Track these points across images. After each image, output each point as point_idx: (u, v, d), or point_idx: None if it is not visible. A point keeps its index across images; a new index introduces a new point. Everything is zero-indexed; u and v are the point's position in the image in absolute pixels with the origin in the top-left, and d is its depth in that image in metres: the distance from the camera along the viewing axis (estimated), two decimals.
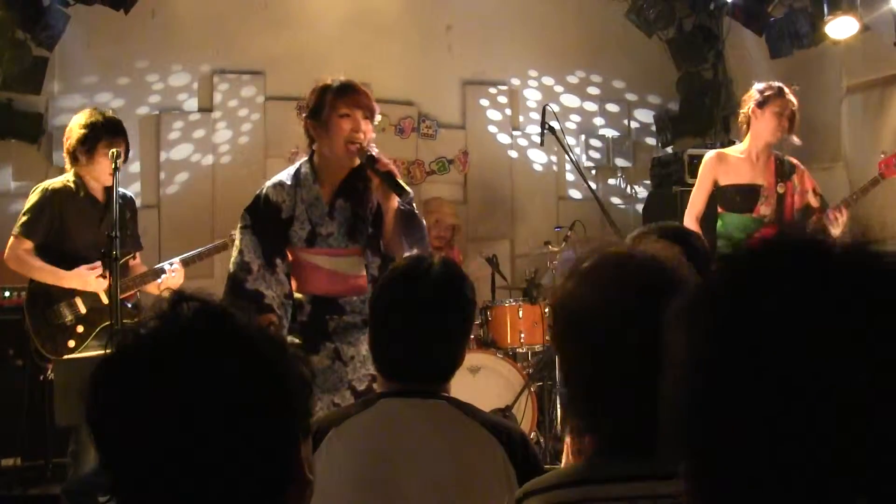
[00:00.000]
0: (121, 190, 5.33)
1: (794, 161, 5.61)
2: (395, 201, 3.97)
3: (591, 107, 9.12)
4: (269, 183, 4.16)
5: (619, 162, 9.08)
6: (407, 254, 3.72)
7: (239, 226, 4.12)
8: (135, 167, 7.77)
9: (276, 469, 1.26)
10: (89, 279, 5.04)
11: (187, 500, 1.22)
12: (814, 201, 5.42)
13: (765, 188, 5.47)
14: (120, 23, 7.45)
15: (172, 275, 5.24)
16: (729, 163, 5.56)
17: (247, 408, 1.22)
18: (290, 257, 4.12)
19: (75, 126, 5.10)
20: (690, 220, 5.51)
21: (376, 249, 4.07)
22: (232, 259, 4.09)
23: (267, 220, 4.05)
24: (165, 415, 1.21)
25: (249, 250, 4.01)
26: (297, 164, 4.21)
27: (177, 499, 1.22)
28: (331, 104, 3.94)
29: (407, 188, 3.98)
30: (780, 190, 5.45)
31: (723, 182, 5.53)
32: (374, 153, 3.97)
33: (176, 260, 5.32)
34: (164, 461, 1.21)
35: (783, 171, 5.51)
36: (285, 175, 4.16)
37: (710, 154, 5.73)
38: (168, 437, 1.20)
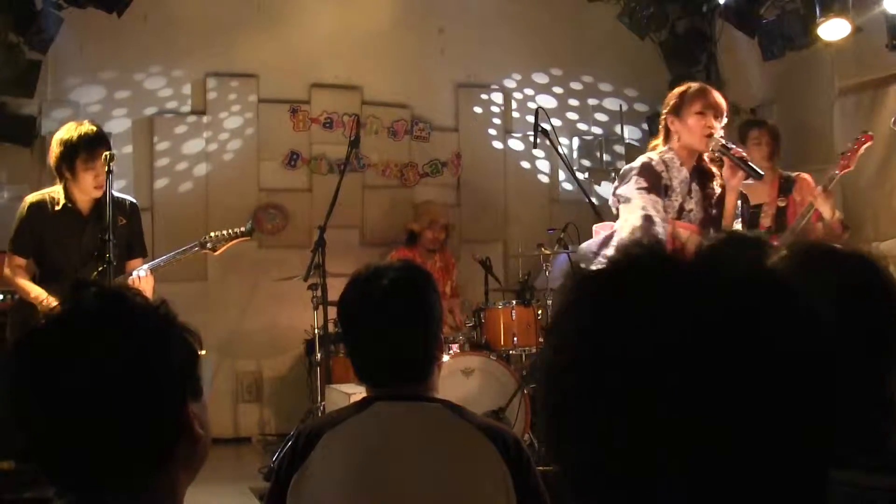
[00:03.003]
0: (123, 196, 5.39)
1: (797, 175, 6.13)
2: (739, 184, 4.64)
3: (583, 109, 9.14)
4: (639, 160, 4.77)
5: (612, 164, 9.10)
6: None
7: (634, 188, 4.64)
8: (128, 170, 7.77)
9: (163, 426, 1.43)
10: (40, 296, 5.01)
11: (86, 457, 1.40)
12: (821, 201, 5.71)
13: (766, 204, 6.03)
14: (113, 26, 7.45)
15: (140, 277, 5.16)
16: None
17: (131, 372, 1.39)
18: None
19: (54, 143, 5.09)
20: None
21: (718, 229, 4.71)
22: (637, 216, 4.60)
23: (656, 181, 4.63)
24: (60, 383, 1.38)
25: (651, 205, 4.59)
26: (656, 154, 4.75)
27: (77, 456, 1.40)
28: (690, 103, 4.64)
29: (759, 171, 4.60)
30: (781, 203, 6.00)
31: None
32: (727, 143, 4.62)
33: (144, 268, 5.23)
34: (61, 421, 1.38)
35: (785, 187, 6.06)
36: (650, 156, 4.75)
37: None
38: (64, 401, 1.38)
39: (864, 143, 5.63)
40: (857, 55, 7.13)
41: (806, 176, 6.13)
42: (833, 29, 6.70)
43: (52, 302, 4.96)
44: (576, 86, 9.12)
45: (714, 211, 4.75)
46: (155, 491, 1.45)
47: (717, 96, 4.70)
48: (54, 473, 1.44)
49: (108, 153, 4.97)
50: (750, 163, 4.58)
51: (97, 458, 1.39)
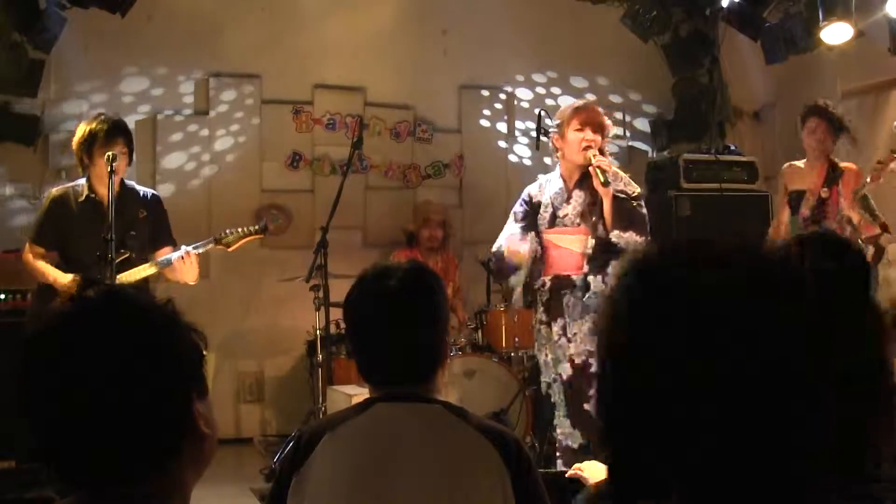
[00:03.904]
0: (145, 189, 5.56)
1: (846, 167, 6.11)
2: (611, 191, 4.99)
3: None
4: (533, 185, 5.48)
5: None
6: (615, 235, 4.98)
7: (513, 211, 5.43)
8: (130, 170, 7.75)
9: (168, 424, 1.44)
10: (62, 281, 5.11)
11: (93, 453, 1.40)
12: (852, 214, 5.87)
13: (809, 191, 6.11)
14: (116, 26, 7.45)
15: (182, 258, 5.23)
16: (794, 171, 6.32)
17: (139, 370, 1.40)
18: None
19: (76, 134, 5.24)
20: (777, 226, 6.45)
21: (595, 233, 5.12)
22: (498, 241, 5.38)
23: (527, 206, 5.35)
24: (69, 381, 1.39)
25: (508, 232, 5.34)
26: (537, 181, 5.49)
27: (82, 455, 1.41)
28: (569, 121, 5.12)
29: (604, 178, 4.95)
30: (824, 194, 6.06)
31: (789, 188, 6.29)
32: (597, 153, 5.07)
33: (188, 248, 5.28)
34: (70, 419, 1.39)
35: (831, 178, 6.07)
36: (540, 180, 5.47)
37: (783, 167, 6.51)
38: (72, 399, 1.38)
39: None
40: (860, 59, 7.13)
41: (853, 167, 6.13)
42: (836, 33, 6.69)
43: (64, 281, 5.06)
44: (578, 87, 9.10)
45: (593, 217, 5.13)
46: (162, 488, 1.46)
47: (597, 112, 5.21)
48: (61, 472, 1.44)
49: (111, 153, 5.01)
50: (605, 171, 4.97)
51: (102, 456, 1.40)
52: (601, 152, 5.14)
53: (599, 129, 5.13)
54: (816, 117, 6.12)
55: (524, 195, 5.41)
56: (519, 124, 8.99)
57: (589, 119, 5.12)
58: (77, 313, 1.46)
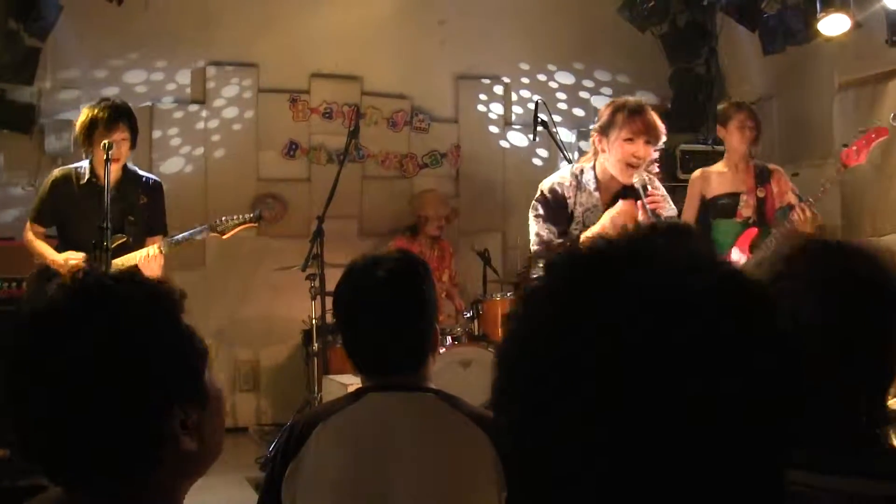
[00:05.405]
0: (147, 174, 5.61)
1: (772, 167, 5.98)
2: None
3: (583, 101, 9.13)
4: (549, 180, 4.49)
5: None
6: None
7: (532, 215, 4.43)
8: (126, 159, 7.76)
9: (134, 433, 1.35)
10: (58, 259, 5.17)
11: (54, 450, 1.36)
12: (793, 200, 5.75)
13: (745, 193, 5.87)
14: (113, 14, 7.43)
15: (149, 256, 5.28)
16: (711, 177, 5.98)
17: (100, 373, 1.33)
18: None
19: (80, 117, 5.27)
20: None
21: None
22: (531, 243, 4.43)
23: (557, 208, 4.39)
24: (45, 375, 1.34)
25: (545, 230, 4.36)
26: (578, 167, 4.48)
27: (49, 448, 1.36)
28: (620, 126, 4.23)
29: (656, 220, 4.11)
30: (760, 194, 5.85)
31: (709, 195, 5.93)
32: (646, 184, 4.20)
33: (155, 246, 5.34)
34: (41, 417, 1.35)
35: (762, 177, 5.88)
36: (564, 174, 4.47)
37: (693, 174, 6.11)
38: (36, 395, 1.34)
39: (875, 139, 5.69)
40: (857, 50, 7.12)
41: (780, 168, 6.02)
42: (833, 24, 6.69)
43: (72, 261, 5.09)
44: (575, 77, 9.10)
45: None
46: (141, 492, 1.40)
47: (653, 119, 4.28)
48: (28, 461, 1.40)
49: (107, 142, 5.01)
50: (660, 216, 4.11)
51: (54, 455, 1.37)
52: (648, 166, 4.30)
53: (654, 139, 4.25)
54: (748, 112, 5.86)
55: (548, 190, 4.43)
56: (516, 114, 8.99)
57: (644, 128, 4.22)
58: (48, 310, 1.40)
